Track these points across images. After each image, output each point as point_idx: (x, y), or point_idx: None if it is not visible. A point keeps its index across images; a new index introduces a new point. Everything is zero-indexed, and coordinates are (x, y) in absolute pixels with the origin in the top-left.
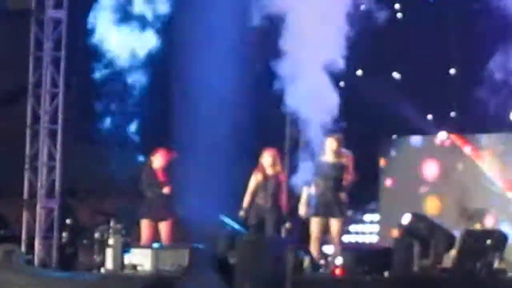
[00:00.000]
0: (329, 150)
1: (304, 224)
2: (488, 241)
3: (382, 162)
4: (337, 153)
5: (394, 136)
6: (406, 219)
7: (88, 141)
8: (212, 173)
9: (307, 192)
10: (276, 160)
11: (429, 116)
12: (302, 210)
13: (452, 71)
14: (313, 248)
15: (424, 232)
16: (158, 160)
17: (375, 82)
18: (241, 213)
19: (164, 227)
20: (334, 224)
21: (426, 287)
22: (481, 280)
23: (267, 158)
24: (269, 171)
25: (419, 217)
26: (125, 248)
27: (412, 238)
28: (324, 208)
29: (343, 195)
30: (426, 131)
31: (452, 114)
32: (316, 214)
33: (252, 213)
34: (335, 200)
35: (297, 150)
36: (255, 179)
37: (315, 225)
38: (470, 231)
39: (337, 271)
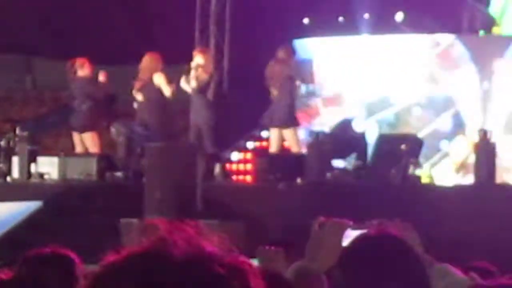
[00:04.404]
0: None
1: None
2: (403, 146)
3: None
4: None
5: (305, 39)
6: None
7: None
8: None
9: None
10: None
11: (340, 18)
12: None
13: None
14: None
15: (345, 139)
16: (83, 70)
17: None
18: None
19: (88, 139)
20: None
21: (339, 193)
22: (396, 186)
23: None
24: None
25: (341, 123)
26: (32, 156)
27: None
28: None
29: None
30: (337, 33)
31: (366, 16)
32: None
33: None
34: None
35: None
36: None
37: None
38: (384, 135)
39: (249, 178)
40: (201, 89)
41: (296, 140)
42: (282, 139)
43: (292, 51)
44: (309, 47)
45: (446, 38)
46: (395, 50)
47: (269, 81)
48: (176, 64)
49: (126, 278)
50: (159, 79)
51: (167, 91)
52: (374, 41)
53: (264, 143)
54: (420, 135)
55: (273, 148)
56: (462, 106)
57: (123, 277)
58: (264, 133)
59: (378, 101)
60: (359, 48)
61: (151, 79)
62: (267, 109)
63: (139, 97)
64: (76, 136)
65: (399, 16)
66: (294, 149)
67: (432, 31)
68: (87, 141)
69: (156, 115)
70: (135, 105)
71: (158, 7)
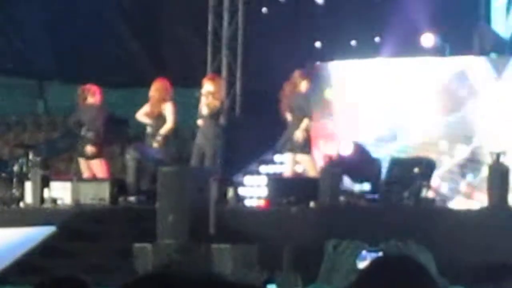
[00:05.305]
0: None
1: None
2: (416, 169)
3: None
4: None
5: (318, 63)
6: (347, 148)
7: (6, 73)
8: None
9: None
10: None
11: (353, 42)
12: None
13: None
14: None
15: (360, 164)
16: (94, 98)
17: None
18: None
19: (97, 165)
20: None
21: (352, 216)
22: (409, 208)
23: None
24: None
25: (357, 148)
26: (45, 181)
27: (344, 169)
28: None
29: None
30: (350, 57)
31: (377, 39)
32: None
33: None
34: None
35: None
36: None
37: None
38: (396, 159)
39: (262, 202)
40: (212, 116)
41: (312, 165)
42: (295, 163)
43: (306, 75)
44: (323, 71)
45: (466, 60)
46: (412, 74)
47: (283, 105)
48: (188, 88)
49: None
50: (168, 110)
51: (170, 123)
52: (389, 64)
53: (277, 167)
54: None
55: (288, 173)
56: (482, 133)
57: None
58: (277, 157)
59: (390, 135)
60: (374, 71)
61: (160, 108)
62: (280, 133)
63: (146, 120)
64: (83, 163)
65: (425, 38)
66: (311, 174)
67: (446, 53)
68: (95, 168)
69: (168, 140)
70: (149, 129)
71: (170, 31)
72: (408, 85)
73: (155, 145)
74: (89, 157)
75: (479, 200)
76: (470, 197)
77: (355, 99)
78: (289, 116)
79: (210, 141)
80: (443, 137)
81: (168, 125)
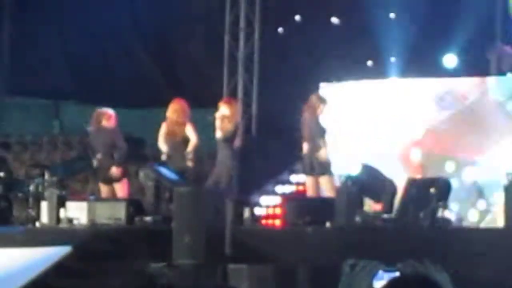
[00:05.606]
0: None
1: None
2: (432, 190)
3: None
4: None
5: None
6: (357, 169)
7: (22, 93)
8: None
9: None
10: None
11: (369, 62)
12: None
13: (392, 15)
14: None
15: (375, 184)
16: (109, 122)
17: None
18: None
19: (119, 188)
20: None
21: (368, 237)
22: (425, 229)
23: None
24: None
25: (369, 168)
26: (61, 201)
27: (360, 189)
28: None
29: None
30: (366, 77)
31: (392, 59)
32: None
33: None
34: None
35: None
36: None
37: None
38: (413, 180)
39: (278, 222)
40: (226, 139)
41: (331, 186)
42: (318, 186)
43: (324, 98)
44: (334, 92)
45: (482, 80)
46: (426, 94)
47: (304, 132)
48: (204, 108)
49: None
50: (190, 131)
51: (194, 139)
52: (400, 84)
53: (293, 187)
54: None
55: (310, 194)
56: (495, 154)
57: None
58: (293, 177)
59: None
60: (383, 92)
61: (182, 131)
62: (295, 153)
63: (164, 148)
64: (104, 187)
65: (448, 59)
66: (331, 195)
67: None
68: (118, 191)
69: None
70: (164, 157)
71: (186, 51)
72: (420, 105)
73: (189, 164)
74: (113, 181)
75: (491, 221)
76: (481, 219)
77: (361, 119)
78: (307, 143)
79: (225, 163)
80: (450, 158)
81: (193, 141)
